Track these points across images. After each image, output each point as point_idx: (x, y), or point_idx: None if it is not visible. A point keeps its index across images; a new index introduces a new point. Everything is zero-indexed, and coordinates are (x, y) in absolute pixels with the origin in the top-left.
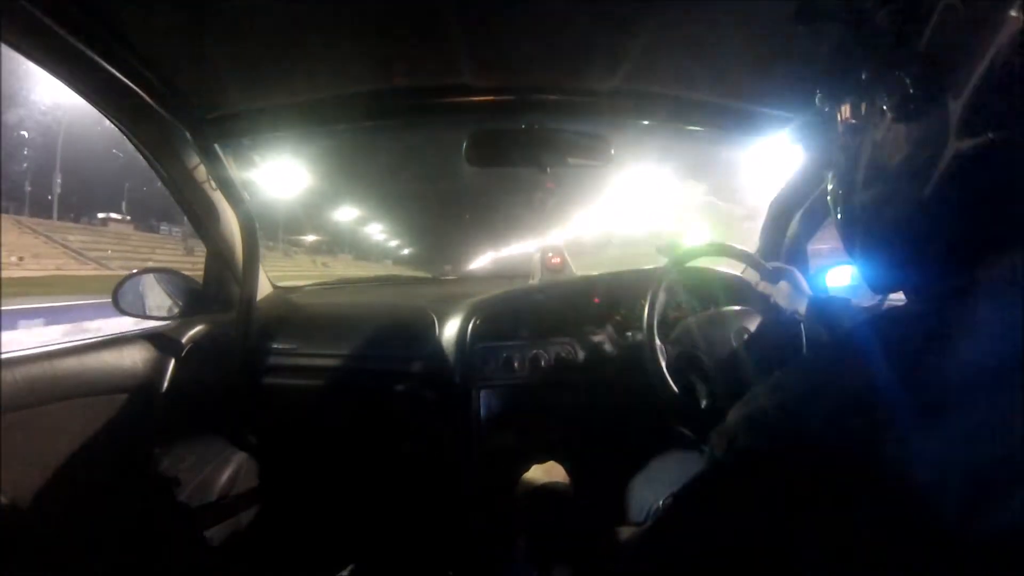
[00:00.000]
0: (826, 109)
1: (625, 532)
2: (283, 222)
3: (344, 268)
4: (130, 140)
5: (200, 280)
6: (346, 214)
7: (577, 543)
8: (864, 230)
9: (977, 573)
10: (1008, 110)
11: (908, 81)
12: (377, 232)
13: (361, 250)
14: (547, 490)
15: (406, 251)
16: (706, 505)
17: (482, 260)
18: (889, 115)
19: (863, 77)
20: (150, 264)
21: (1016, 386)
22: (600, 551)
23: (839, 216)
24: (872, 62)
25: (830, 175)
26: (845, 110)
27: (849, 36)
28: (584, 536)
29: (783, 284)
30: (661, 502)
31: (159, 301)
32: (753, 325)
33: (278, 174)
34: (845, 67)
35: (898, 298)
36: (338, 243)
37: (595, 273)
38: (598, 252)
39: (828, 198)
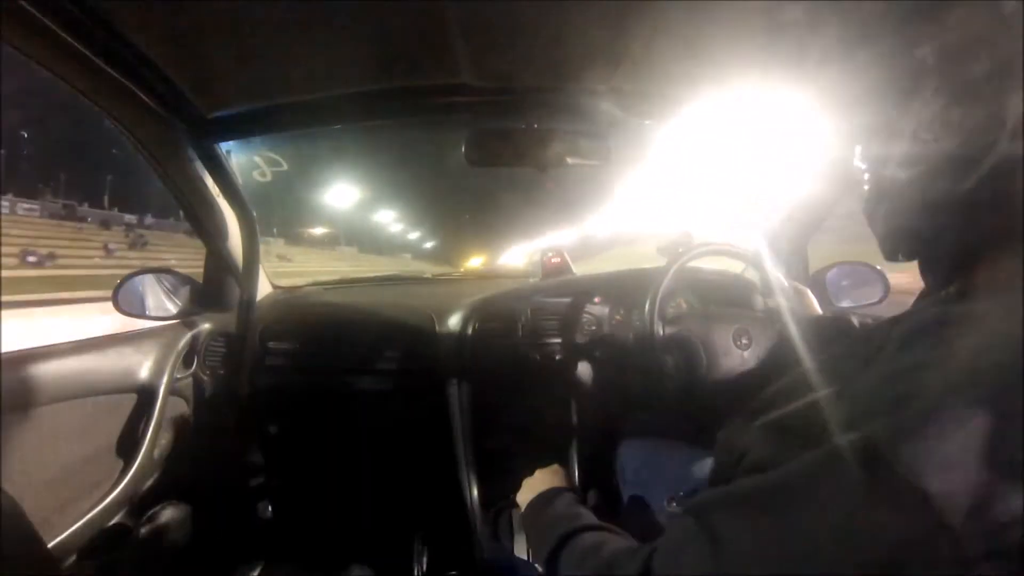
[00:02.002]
0: (875, 80)
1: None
2: (272, 217)
3: (319, 262)
4: (130, 140)
5: (200, 280)
6: (343, 212)
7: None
8: (890, 205)
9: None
10: None
11: (975, 68)
12: (376, 228)
13: (361, 246)
14: (548, 490)
15: (407, 246)
16: (718, 515)
17: (481, 258)
18: (944, 99)
19: (923, 56)
20: None
21: (1020, 387)
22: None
23: (867, 187)
24: (939, 42)
25: (864, 145)
26: (896, 78)
27: (917, 12)
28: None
29: (794, 299)
30: (665, 504)
31: (159, 301)
32: (753, 328)
33: (273, 172)
34: (906, 38)
35: (899, 301)
36: (332, 238)
37: (596, 272)
38: (629, 245)
39: (856, 165)
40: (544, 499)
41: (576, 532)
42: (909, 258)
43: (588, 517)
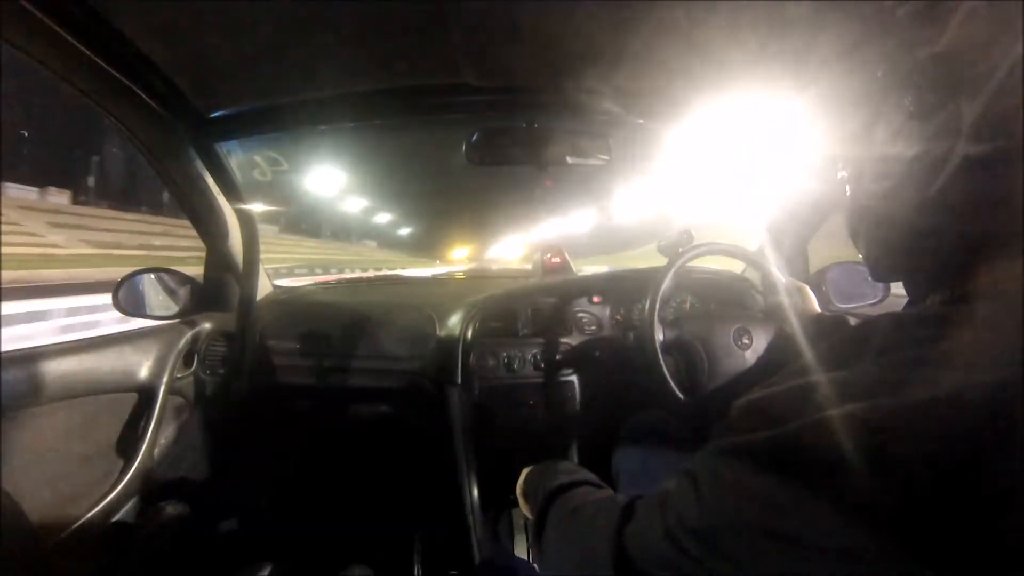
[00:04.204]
0: (844, 98)
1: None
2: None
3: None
4: (130, 140)
5: (200, 279)
6: (344, 210)
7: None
8: (870, 220)
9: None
10: (1021, 118)
11: (924, 80)
12: (377, 228)
13: (359, 242)
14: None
15: (370, 233)
16: (706, 486)
17: (467, 249)
18: (903, 111)
19: (880, 73)
20: None
21: (1014, 392)
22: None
23: (848, 204)
24: (891, 58)
25: (842, 163)
26: (862, 102)
27: (870, 30)
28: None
29: (795, 298)
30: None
31: (159, 300)
32: (753, 327)
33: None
34: (865, 60)
35: (899, 303)
36: (334, 234)
37: (596, 272)
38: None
39: (838, 185)
40: (544, 465)
41: (571, 485)
42: (892, 275)
43: (585, 474)
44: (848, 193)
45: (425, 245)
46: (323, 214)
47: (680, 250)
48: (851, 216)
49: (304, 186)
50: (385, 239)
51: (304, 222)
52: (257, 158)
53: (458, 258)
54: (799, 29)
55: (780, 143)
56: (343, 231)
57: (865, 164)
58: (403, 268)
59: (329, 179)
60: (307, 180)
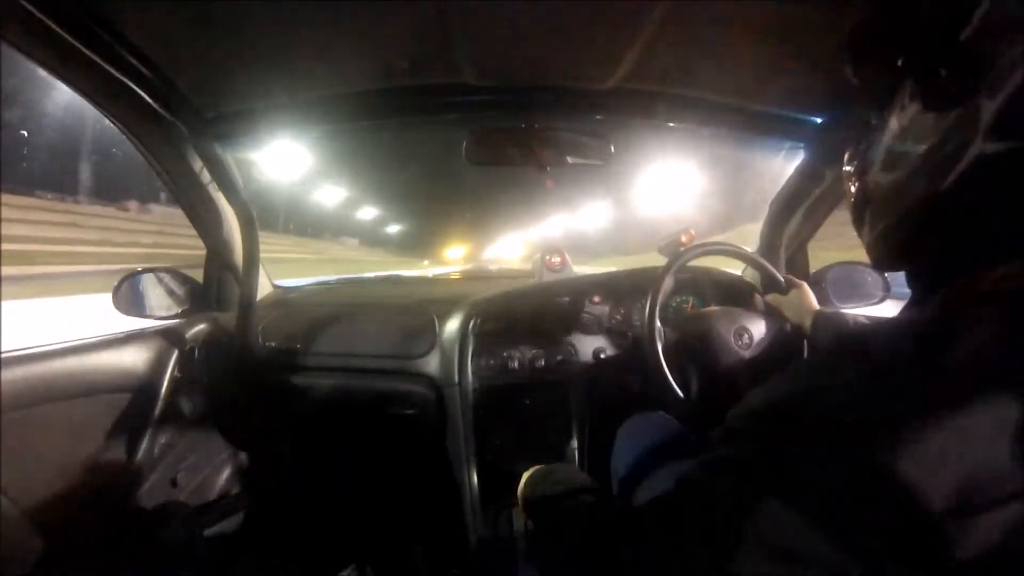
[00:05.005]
0: (855, 82)
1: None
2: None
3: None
4: (130, 140)
5: (200, 279)
6: (343, 210)
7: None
8: (874, 210)
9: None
10: None
11: (943, 73)
12: (375, 227)
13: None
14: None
15: (349, 228)
16: (702, 499)
17: (464, 248)
18: (919, 103)
19: (899, 62)
20: None
21: (1012, 393)
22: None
23: (852, 193)
24: (910, 47)
25: (849, 152)
26: (876, 89)
27: (890, 18)
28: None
29: (792, 296)
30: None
31: (159, 300)
32: (752, 326)
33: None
34: (882, 47)
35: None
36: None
37: (596, 272)
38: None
39: (843, 172)
40: (547, 470)
41: (572, 493)
42: (894, 267)
43: (586, 481)
44: (855, 182)
45: (417, 244)
46: (298, 209)
47: (680, 250)
48: (856, 204)
49: (294, 183)
50: (369, 237)
51: (264, 215)
52: (257, 158)
53: (453, 258)
54: (812, 14)
55: (783, 139)
56: (313, 227)
57: (876, 153)
58: (380, 271)
59: (322, 175)
60: (304, 178)
